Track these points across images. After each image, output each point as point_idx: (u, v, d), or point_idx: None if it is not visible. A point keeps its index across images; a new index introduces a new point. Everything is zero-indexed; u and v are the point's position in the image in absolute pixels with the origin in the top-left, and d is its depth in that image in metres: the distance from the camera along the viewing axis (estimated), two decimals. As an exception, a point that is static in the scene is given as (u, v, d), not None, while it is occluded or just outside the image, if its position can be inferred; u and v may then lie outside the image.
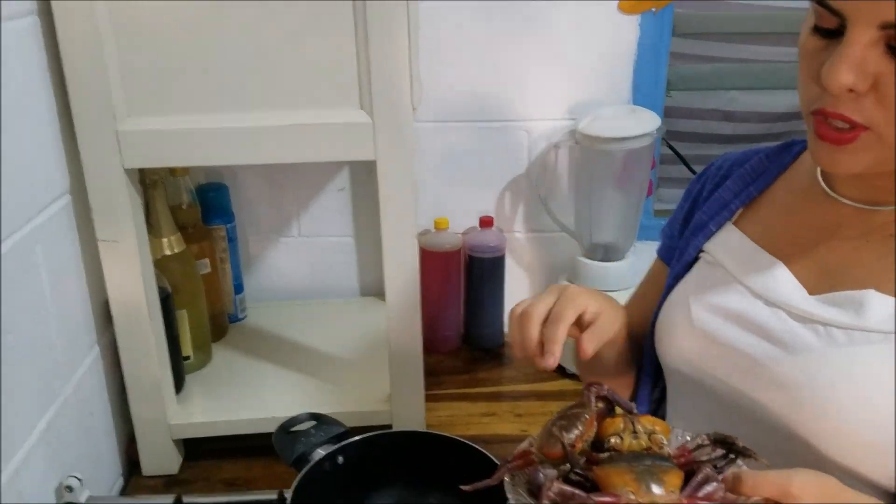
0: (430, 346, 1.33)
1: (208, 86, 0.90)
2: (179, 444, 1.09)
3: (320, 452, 0.79)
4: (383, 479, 0.82)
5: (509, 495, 0.59)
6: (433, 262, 1.29)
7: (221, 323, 1.27)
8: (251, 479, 1.06)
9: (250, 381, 1.15)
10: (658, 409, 0.82)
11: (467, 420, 1.18)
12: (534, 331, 0.64)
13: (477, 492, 0.78)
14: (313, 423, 0.81)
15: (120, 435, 1.07)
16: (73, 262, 0.97)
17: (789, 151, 0.74)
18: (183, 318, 1.13)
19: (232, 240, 1.28)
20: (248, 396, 1.11)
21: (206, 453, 1.11)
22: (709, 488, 0.54)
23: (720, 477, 0.55)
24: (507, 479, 0.61)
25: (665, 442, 0.58)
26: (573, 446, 0.57)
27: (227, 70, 0.89)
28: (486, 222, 1.29)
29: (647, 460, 0.55)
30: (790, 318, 0.64)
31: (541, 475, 0.56)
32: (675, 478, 0.54)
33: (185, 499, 0.88)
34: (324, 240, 1.37)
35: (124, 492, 1.05)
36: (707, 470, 0.55)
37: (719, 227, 0.74)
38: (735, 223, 0.73)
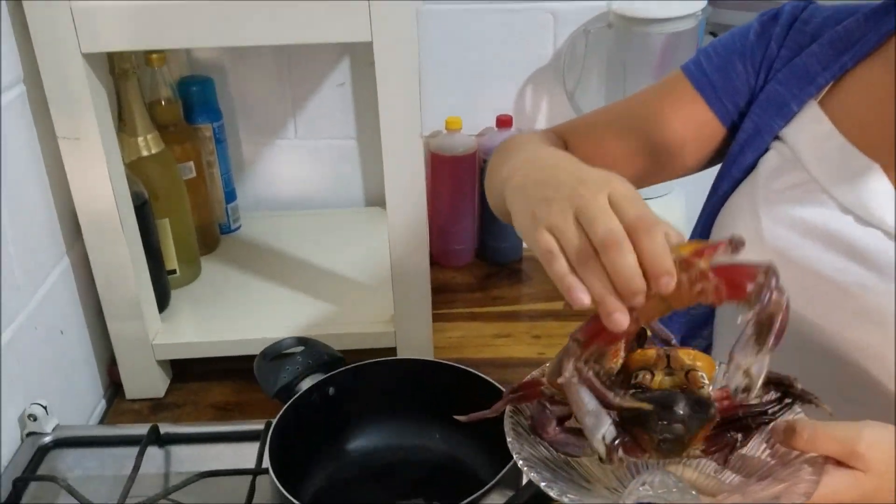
0: (439, 261, 1.24)
1: (173, -49, 0.77)
2: (165, 366, 1.01)
3: (308, 382, 0.70)
4: (380, 412, 0.73)
5: (508, 432, 0.51)
6: (444, 167, 1.18)
7: (212, 234, 1.18)
8: (243, 403, 0.99)
9: (242, 298, 1.06)
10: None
11: (480, 342, 1.09)
12: (631, 258, 0.43)
13: (483, 423, 0.69)
14: (300, 348, 0.72)
15: (100, 356, 1.00)
16: (33, 163, 0.87)
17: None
18: (165, 228, 1.03)
19: (220, 141, 1.16)
20: (239, 315, 1.03)
21: (195, 375, 1.03)
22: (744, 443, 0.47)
23: (770, 426, 0.46)
24: (507, 412, 0.52)
25: (706, 381, 0.47)
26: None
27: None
28: (503, 122, 1.16)
29: (680, 402, 0.45)
30: (888, 239, 0.52)
31: (547, 411, 0.48)
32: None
33: (163, 429, 0.80)
34: (324, 142, 1.25)
35: (106, 417, 0.98)
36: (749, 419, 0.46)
37: (801, 106, 0.60)
38: (820, 104, 0.60)
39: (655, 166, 0.69)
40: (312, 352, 0.72)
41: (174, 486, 0.71)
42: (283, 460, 0.64)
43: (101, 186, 0.88)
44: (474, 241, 1.26)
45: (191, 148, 1.10)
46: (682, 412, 0.45)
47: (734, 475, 0.49)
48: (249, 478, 0.72)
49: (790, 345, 0.56)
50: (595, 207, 0.44)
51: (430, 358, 1.00)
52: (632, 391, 0.47)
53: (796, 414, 0.49)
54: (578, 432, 0.47)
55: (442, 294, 1.18)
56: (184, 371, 1.03)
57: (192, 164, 1.10)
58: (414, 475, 0.73)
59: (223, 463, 0.76)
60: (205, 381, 1.02)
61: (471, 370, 0.71)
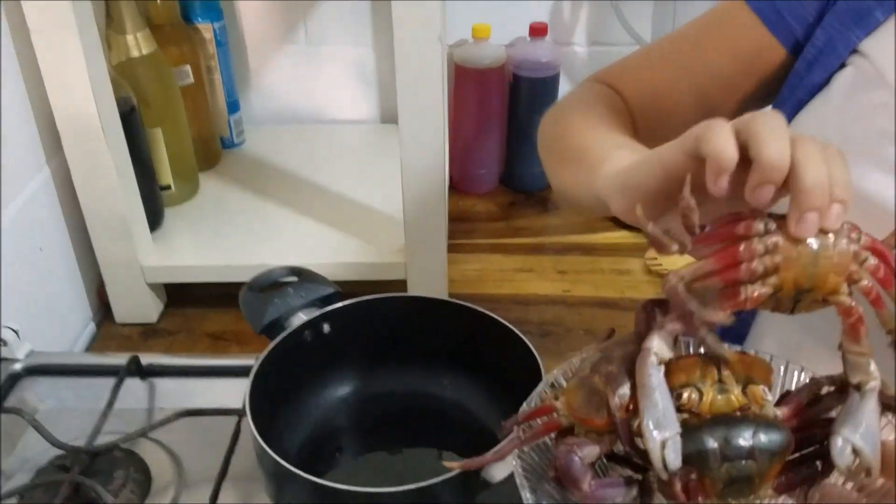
0: (460, 187, 1.15)
1: None
2: (159, 290, 0.95)
3: (301, 317, 0.62)
4: (382, 354, 0.65)
5: (521, 484, 0.39)
6: (469, 81, 1.09)
7: (212, 148, 1.10)
8: (241, 333, 0.93)
9: (243, 219, 0.98)
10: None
11: (500, 276, 1.02)
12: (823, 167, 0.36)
13: (497, 370, 0.62)
14: (293, 279, 0.64)
15: (88, 277, 0.93)
16: (5, 61, 0.78)
17: None
18: (157, 139, 0.95)
19: (221, 44, 1.07)
20: (238, 237, 0.95)
21: (191, 301, 0.97)
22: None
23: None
24: (516, 456, 0.41)
25: (768, 396, 0.38)
26: (628, 410, 0.37)
27: None
28: (537, 31, 1.06)
29: (745, 431, 0.35)
30: None
31: (576, 458, 0.37)
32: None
33: (147, 360, 0.73)
34: (337, 49, 1.15)
35: (95, 341, 0.92)
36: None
37: (889, 14, 0.50)
38: None
39: (708, 107, 0.61)
40: (307, 284, 0.64)
41: (151, 425, 0.65)
42: (268, 405, 0.58)
43: (80, 88, 0.79)
44: (499, 165, 1.17)
45: (188, 50, 1.00)
46: (748, 444, 0.35)
47: None
48: (235, 419, 0.66)
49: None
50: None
51: (444, 293, 0.92)
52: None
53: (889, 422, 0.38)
54: (620, 481, 0.38)
55: (460, 223, 1.10)
56: (179, 296, 0.97)
57: (188, 68, 1.00)
58: (418, 425, 0.67)
59: (210, 400, 0.70)
60: (201, 308, 0.96)
61: (485, 311, 0.63)
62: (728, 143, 0.36)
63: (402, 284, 0.91)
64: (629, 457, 0.38)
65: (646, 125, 0.63)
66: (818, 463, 0.37)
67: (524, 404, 0.44)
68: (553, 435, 0.41)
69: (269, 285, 0.65)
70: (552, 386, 0.45)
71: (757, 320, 0.61)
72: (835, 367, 0.39)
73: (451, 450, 0.65)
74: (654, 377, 0.35)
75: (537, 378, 0.55)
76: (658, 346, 0.36)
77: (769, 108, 0.61)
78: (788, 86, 0.56)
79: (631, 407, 0.37)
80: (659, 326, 0.37)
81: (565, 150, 0.58)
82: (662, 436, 0.34)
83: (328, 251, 0.92)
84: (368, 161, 1.10)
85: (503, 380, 0.62)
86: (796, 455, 0.37)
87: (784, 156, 0.35)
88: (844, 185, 0.36)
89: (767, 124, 0.37)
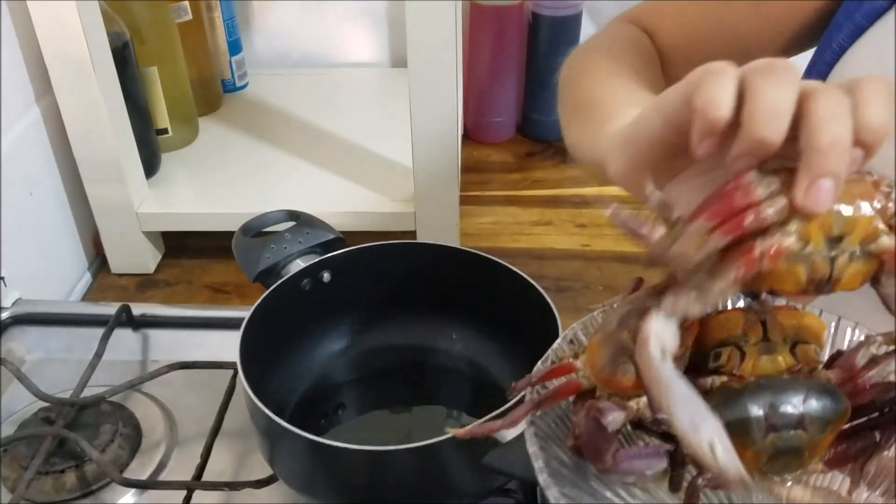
0: (474, 135, 1.10)
1: None
2: (156, 239, 0.91)
3: (299, 264, 0.58)
4: (386, 305, 0.62)
5: (534, 455, 0.34)
6: (484, 19, 1.03)
7: (213, 91, 1.05)
8: (242, 284, 0.90)
9: (244, 165, 0.95)
10: None
11: (516, 229, 0.98)
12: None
13: (509, 324, 0.58)
14: (290, 224, 0.60)
15: (83, 224, 0.90)
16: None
17: None
18: (153, 79, 0.90)
19: (221, -21, 1.01)
20: (239, 184, 0.91)
21: (190, 251, 0.94)
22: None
23: None
24: (528, 422, 0.35)
25: (821, 356, 0.33)
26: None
27: None
28: (559, -34, 0.98)
29: (795, 396, 0.31)
30: None
31: (600, 426, 0.32)
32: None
33: (140, 310, 0.70)
34: (345, -13, 1.09)
35: (90, 291, 0.89)
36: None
37: None
38: None
39: (747, 52, 0.56)
40: (305, 229, 0.60)
41: (140, 377, 0.62)
42: (263, 358, 0.54)
43: (68, 21, 0.75)
44: (516, 113, 1.11)
45: (186, -15, 0.95)
46: (798, 411, 0.31)
47: (875, 493, 0.35)
48: (230, 372, 0.62)
49: None
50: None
51: (456, 245, 0.88)
52: (716, 385, 0.32)
53: None
54: (650, 451, 0.33)
55: (475, 174, 1.05)
56: (178, 246, 0.94)
57: (186, 3, 0.96)
58: (425, 381, 0.63)
59: (207, 353, 0.67)
60: (201, 259, 0.93)
61: (498, 260, 0.59)
62: (722, 94, 0.30)
63: (411, 236, 0.87)
64: (657, 424, 0.33)
65: (680, 74, 0.58)
66: (876, 433, 0.33)
67: (539, 363, 0.39)
68: (572, 398, 0.36)
69: (265, 230, 0.61)
70: (570, 342, 0.40)
71: None
72: (886, 324, 0.35)
73: (460, 408, 0.62)
74: (664, 371, 0.29)
75: (554, 333, 0.51)
76: (660, 332, 0.29)
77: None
78: (845, 10, 0.51)
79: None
80: (660, 305, 0.30)
81: (579, 101, 0.53)
82: (706, 436, 0.28)
83: (333, 199, 0.88)
84: (377, 107, 1.05)
85: (516, 334, 0.58)
86: (850, 424, 0.33)
87: (780, 106, 0.29)
88: (875, 128, 0.28)
89: (770, 69, 0.30)
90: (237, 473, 0.58)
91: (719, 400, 0.31)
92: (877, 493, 0.34)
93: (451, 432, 0.36)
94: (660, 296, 0.32)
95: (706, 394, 0.32)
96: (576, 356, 0.36)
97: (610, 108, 0.45)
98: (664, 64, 0.59)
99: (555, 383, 0.37)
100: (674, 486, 0.33)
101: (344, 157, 0.95)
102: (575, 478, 0.35)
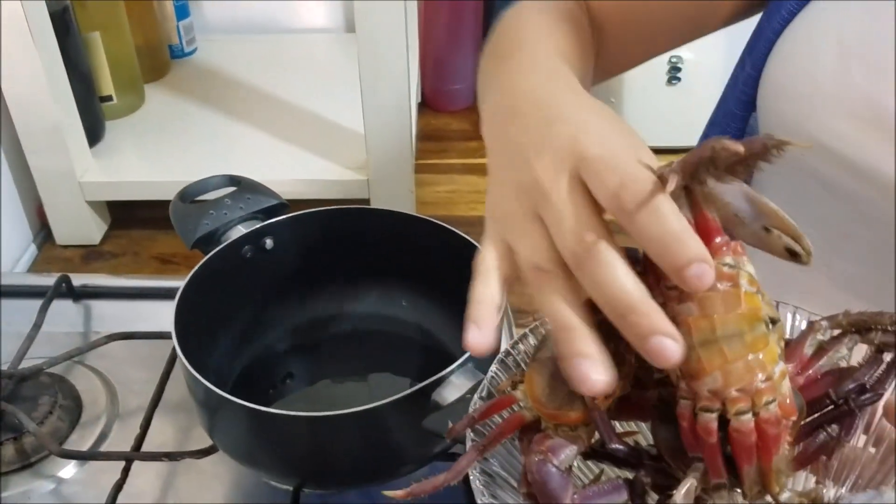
0: (432, 103, 1.10)
1: None
2: (101, 209, 0.90)
3: (241, 230, 0.57)
4: (332, 273, 0.61)
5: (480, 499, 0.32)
6: (439, -16, 1.01)
7: (159, 58, 1.03)
8: (191, 255, 0.87)
9: (192, 133, 0.93)
10: None
11: (474, 198, 0.98)
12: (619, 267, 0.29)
13: (458, 291, 0.58)
14: (231, 189, 0.59)
15: (26, 194, 0.88)
16: None
17: None
18: (95, 44, 0.88)
19: (166, -60, 0.99)
20: (186, 152, 0.90)
21: (137, 221, 0.92)
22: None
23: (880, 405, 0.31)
24: (475, 471, 0.33)
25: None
26: (606, 395, 0.30)
27: None
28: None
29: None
30: None
31: (553, 471, 0.30)
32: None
33: (80, 280, 0.69)
34: (296, -51, 1.07)
35: (35, 263, 0.88)
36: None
37: None
38: None
39: (695, 18, 0.55)
40: (247, 194, 0.59)
41: (79, 348, 0.60)
42: (202, 328, 0.53)
43: (0, -19, 0.72)
44: (475, 79, 1.10)
45: (128, -55, 0.93)
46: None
47: (844, 489, 0.34)
48: (171, 343, 0.61)
49: (871, 240, 0.42)
50: (556, 202, 0.30)
51: (412, 213, 0.88)
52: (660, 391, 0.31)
53: None
54: (608, 487, 0.31)
55: (433, 142, 1.05)
56: (125, 216, 0.92)
57: (129, -34, 0.93)
58: (374, 348, 0.63)
59: (150, 324, 0.66)
60: (148, 229, 0.92)
61: (445, 225, 0.58)
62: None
63: (365, 205, 0.87)
64: (614, 452, 0.31)
65: (618, 39, 0.56)
66: (835, 426, 0.31)
67: (476, 395, 0.37)
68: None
69: (203, 196, 0.60)
70: (502, 362, 0.38)
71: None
72: (832, 303, 0.34)
73: (411, 376, 0.62)
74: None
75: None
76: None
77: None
78: None
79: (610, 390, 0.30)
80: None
81: (497, 47, 0.51)
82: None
83: (285, 167, 0.87)
84: (331, 73, 1.04)
85: (464, 301, 0.58)
86: (807, 420, 0.31)
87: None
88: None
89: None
90: (180, 444, 0.58)
91: (664, 414, 0.30)
92: (843, 488, 0.34)
93: (388, 494, 0.33)
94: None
95: (652, 408, 0.32)
96: (514, 386, 0.34)
97: (523, 58, 0.44)
98: (600, 30, 0.58)
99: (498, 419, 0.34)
100: None
101: (296, 125, 0.93)
102: None
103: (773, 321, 0.28)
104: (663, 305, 0.28)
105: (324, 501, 0.53)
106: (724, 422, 0.28)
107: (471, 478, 0.32)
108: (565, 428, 0.31)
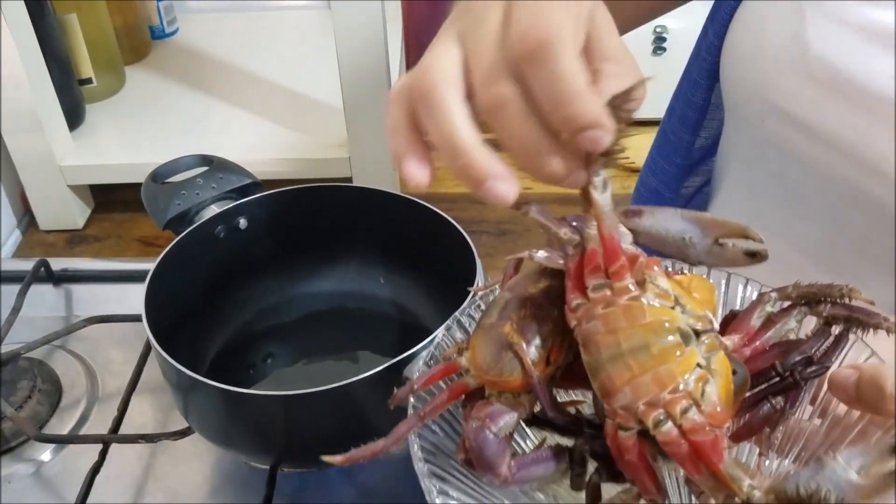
0: (415, 77, 1.08)
1: None
2: (83, 193, 0.90)
3: (213, 210, 0.57)
4: (308, 252, 0.61)
5: (422, 473, 0.31)
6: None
7: (139, 38, 1.02)
8: (174, 238, 0.88)
9: (174, 114, 0.92)
10: (693, 200, 0.57)
11: (457, 174, 0.96)
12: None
13: (437, 265, 0.58)
14: (203, 168, 0.59)
15: (9, 179, 0.88)
16: None
17: None
18: (72, 27, 0.87)
19: (142, -82, 0.97)
20: (168, 134, 0.90)
21: (120, 205, 0.92)
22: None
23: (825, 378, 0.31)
24: (415, 437, 0.33)
25: (712, 321, 0.29)
26: (547, 363, 0.30)
27: None
28: None
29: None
30: None
31: (490, 437, 0.30)
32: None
33: (59, 264, 0.69)
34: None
35: (19, 249, 0.87)
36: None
37: None
38: None
39: None
40: (219, 174, 0.58)
41: (56, 332, 0.60)
42: (175, 310, 0.53)
43: (-31, -37, 0.71)
44: (458, 54, 1.09)
45: (103, -76, 0.91)
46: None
47: (787, 461, 0.33)
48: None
49: (829, 203, 0.42)
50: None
51: (395, 191, 0.87)
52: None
53: (868, 354, 0.32)
54: (546, 454, 0.31)
55: (416, 117, 1.03)
56: (108, 200, 0.92)
57: (104, -56, 0.92)
58: (351, 326, 0.63)
59: (130, 307, 0.65)
60: (131, 212, 0.91)
61: (421, 202, 0.58)
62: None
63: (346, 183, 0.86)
64: (554, 420, 0.31)
65: None
66: (780, 398, 0.31)
67: (422, 362, 0.36)
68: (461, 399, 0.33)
69: (175, 177, 0.59)
70: (449, 329, 0.37)
71: (713, 205, 0.57)
72: (792, 267, 0.33)
73: (389, 353, 0.62)
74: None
75: (472, 274, 0.51)
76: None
77: None
78: None
79: (552, 358, 0.30)
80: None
81: None
82: None
83: (267, 147, 0.87)
84: (313, 50, 1.03)
85: (441, 276, 0.58)
86: (752, 392, 0.30)
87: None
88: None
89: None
90: (160, 426, 0.58)
91: None
92: (787, 460, 0.33)
93: (327, 460, 0.32)
94: (550, 279, 0.32)
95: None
96: (460, 352, 0.33)
97: None
98: None
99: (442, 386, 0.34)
100: (575, 485, 0.31)
101: (278, 104, 0.93)
102: (471, 486, 0.33)
103: (700, 333, 0.28)
104: (577, 326, 0.29)
105: (302, 480, 0.53)
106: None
107: (410, 445, 0.32)
108: (508, 395, 0.31)
